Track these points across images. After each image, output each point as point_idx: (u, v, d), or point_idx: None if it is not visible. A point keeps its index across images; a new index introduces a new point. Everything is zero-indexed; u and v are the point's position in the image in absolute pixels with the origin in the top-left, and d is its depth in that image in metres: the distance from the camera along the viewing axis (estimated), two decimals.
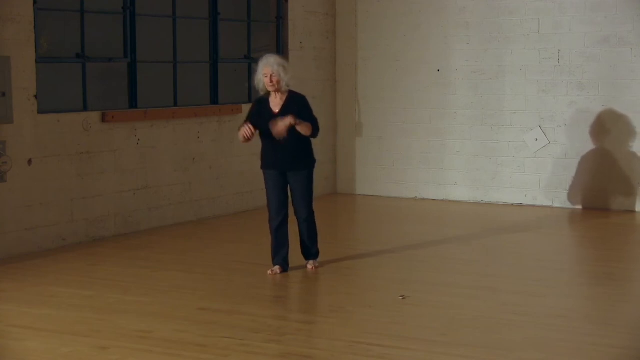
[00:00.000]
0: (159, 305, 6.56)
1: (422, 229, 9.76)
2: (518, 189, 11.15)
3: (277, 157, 7.42)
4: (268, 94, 7.44)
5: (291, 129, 7.28)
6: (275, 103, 7.39)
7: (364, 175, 12.05)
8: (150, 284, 7.20)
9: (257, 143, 7.66)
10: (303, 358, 5.43)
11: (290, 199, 7.59)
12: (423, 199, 11.66)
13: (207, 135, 10.17)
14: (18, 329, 6.00)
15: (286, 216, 7.56)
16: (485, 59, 11.20)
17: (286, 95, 7.39)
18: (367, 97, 11.96)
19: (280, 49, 11.26)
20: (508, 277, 7.58)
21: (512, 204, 11.16)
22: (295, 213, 7.58)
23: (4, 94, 8.00)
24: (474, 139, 11.34)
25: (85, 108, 8.90)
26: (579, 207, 10.81)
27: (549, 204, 10.99)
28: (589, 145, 10.72)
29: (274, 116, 7.35)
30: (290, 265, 7.65)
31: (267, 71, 7.29)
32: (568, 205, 10.87)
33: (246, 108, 7.65)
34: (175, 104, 9.96)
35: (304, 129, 7.32)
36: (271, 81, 7.29)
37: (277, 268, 7.55)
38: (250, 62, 10.61)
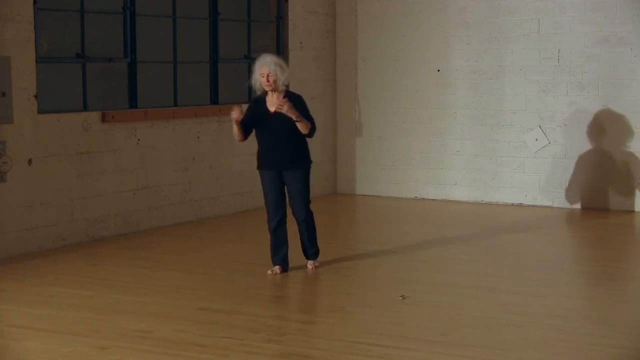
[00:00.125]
0: (159, 305, 6.56)
1: (422, 229, 9.76)
2: (518, 189, 11.15)
3: (272, 157, 7.42)
4: (265, 93, 7.44)
5: (288, 128, 7.28)
6: (272, 102, 7.40)
7: (364, 175, 12.05)
8: (150, 284, 7.20)
9: (256, 143, 7.65)
10: (303, 358, 5.43)
11: (287, 199, 7.59)
12: (423, 199, 11.66)
13: (207, 135, 10.18)
14: (18, 329, 6.00)
15: (284, 216, 7.55)
16: (485, 59, 11.20)
17: (283, 94, 7.40)
18: (367, 97, 11.96)
19: (280, 49, 11.27)
20: (508, 277, 7.58)
21: (512, 204, 11.16)
22: (293, 213, 7.58)
23: (4, 94, 8.00)
24: (474, 139, 11.34)
25: (85, 108, 8.90)
26: (578, 207, 10.81)
27: (549, 204, 10.99)
28: (588, 145, 10.72)
29: (270, 116, 7.35)
30: (290, 265, 7.65)
31: (264, 71, 7.30)
32: (568, 205, 10.87)
33: (246, 108, 7.67)
34: (175, 104, 9.96)
35: (302, 126, 7.32)
36: (268, 81, 7.29)
37: (277, 268, 7.55)
38: (250, 62, 10.58)
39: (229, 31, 10.67)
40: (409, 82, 11.66)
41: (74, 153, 8.69)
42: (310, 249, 7.70)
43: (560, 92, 10.83)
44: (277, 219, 7.52)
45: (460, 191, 11.47)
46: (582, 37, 10.66)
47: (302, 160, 7.49)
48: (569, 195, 10.87)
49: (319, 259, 7.77)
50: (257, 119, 7.43)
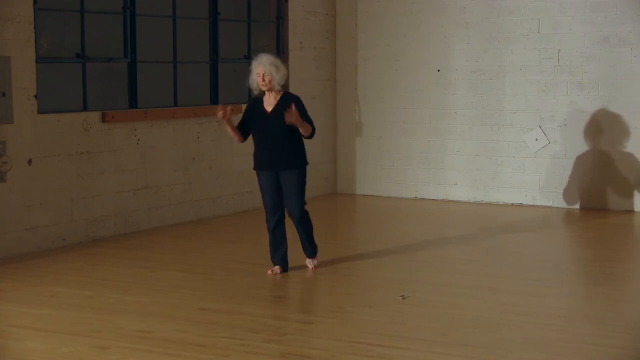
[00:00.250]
0: (159, 305, 6.56)
1: (422, 229, 9.75)
2: (518, 189, 11.15)
3: (269, 157, 7.41)
4: (262, 93, 7.44)
5: (285, 128, 7.28)
6: (269, 102, 7.40)
7: (364, 175, 12.05)
8: (150, 284, 7.20)
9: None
10: (303, 358, 5.43)
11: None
12: (423, 199, 11.66)
13: (207, 135, 10.18)
14: (18, 329, 6.00)
15: (282, 216, 7.55)
16: (485, 59, 11.20)
17: (280, 94, 7.40)
18: (367, 97, 11.96)
19: (280, 49, 11.27)
20: (508, 277, 7.58)
21: (512, 204, 11.16)
22: (289, 214, 7.54)
23: (4, 94, 8.00)
24: (474, 139, 11.34)
25: (85, 108, 8.90)
26: (578, 207, 10.81)
27: (549, 204, 10.99)
28: (588, 145, 10.72)
29: (266, 115, 7.36)
30: (290, 265, 7.65)
31: (260, 70, 7.31)
32: (568, 205, 10.87)
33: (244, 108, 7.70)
34: (175, 104, 9.96)
35: (304, 130, 7.32)
36: (263, 80, 7.30)
37: (277, 268, 7.55)
38: (250, 62, 10.59)
39: (229, 31, 10.67)
40: (409, 82, 11.66)
41: (74, 153, 8.69)
42: (309, 248, 7.70)
43: (560, 92, 10.83)
44: (275, 219, 7.52)
45: (460, 191, 11.47)
46: (582, 37, 10.66)
47: (298, 160, 7.48)
48: (569, 195, 10.87)
49: (317, 256, 7.75)
50: (254, 119, 7.44)
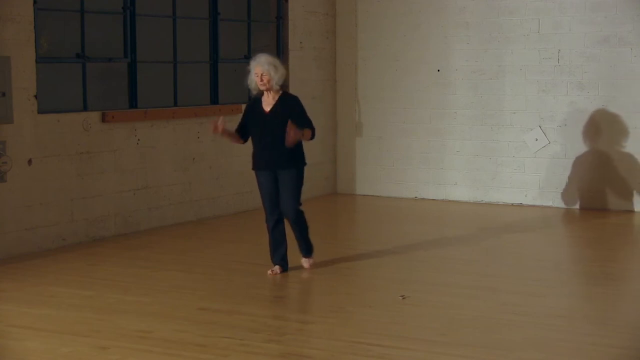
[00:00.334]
0: (159, 305, 6.56)
1: (422, 229, 9.76)
2: (518, 189, 11.15)
3: (268, 157, 7.41)
4: (261, 93, 7.45)
5: (283, 128, 7.28)
6: (267, 102, 7.41)
7: (364, 175, 12.05)
8: (150, 284, 7.20)
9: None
10: (303, 358, 5.43)
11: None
12: (423, 199, 11.66)
13: (207, 135, 10.17)
14: (18, 329, 6.00)
15: (281, 215, 7.55)
16: (485, 59, 11.20)
17: (279, 94, 7.40)
18: (367, 97, 11.96)
19: (280, 49, 11.27)
20: (508, 277, 7.58)
21: (512, 204, 11.16)
22: (283, 213, 7.50)
23: (4, 94, 8.00)
24: (474, 139, 11.34)
25: (85, 108, 8.90)
26: (578, 207, 10.81)
27: (549, 204, 10.99)
28: (588, 145, 10.72)
29: (264, 115, 7.37)
30: (290, 265, 7.65)
31: (258, 70, 7.32)
32: (567, 205, 10.86)
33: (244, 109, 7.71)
34: (175, 104, 9.96)
35: (305, 138, 7.33)
36: (262, 80, 7.30)
37: (277, 268, 7.55)
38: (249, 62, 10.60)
39: (229, 31, 10.67)
40: (409, 82, 11.66)
41: (74, 153, 8.69)
42: (304, 247, 7.67)
43: (560, 92, 10.83)
44: (275, 219, 7.52)
45: (460, 191, 11.47)
46: (582, 37, 10.66)
47: (296, 160, 7.47)
48: (569, 195, 10.87)
49: (313, 256, 7.73)
50: (253, 119, 7.45)
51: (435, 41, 11.47)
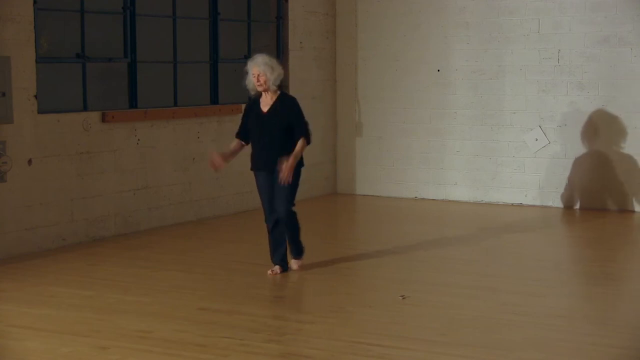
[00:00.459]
0: (159, 305, 6.56)
1: (422, 229, 9.75)
2: (518, 189, 11.15)
3: (266, 157, 7.41)
4: (259, 94, 7.47)
5: (282, 129, 7.29)
6: (265, 103, 7.43)
7: (364, 175, 12.05)
8: (150, 284, 7.20)
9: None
10: (303, 358, 5.43)
11: None
12: (423, 199, 11.66)
13: (207, 135, 10.18)
14: (18, 329, 6.00)
15: None
16: (485, 59, 11.20)
17: (277, 95, 7.42)
18: (367, 97, 11.96)
19: (280, 49, 11.27)
20: (508, 277, 7.58)
21: (512, 204, 11.16)
22: (276, 213, 7.50)
23: (4, 94, 8.00)
24: (474, 139, 11.34)
25: (85, 108, 8.90)
26: (577, 207, 10.81)
27: (549, 204, 10.98)
28: (588, 145, 10.72)
29: (262, 116, 7.38)
30: (289, 265, 7.65)
31: (255, 71, 7.34)
32: (567, 205, 10.86)
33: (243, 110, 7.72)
34: (175, 104, 9.96)
35: (299, 153, 7.32)
36: (258, 81, 7.32)
37: (277, 268, 7.55)
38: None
39: (229, 31, 10.67)
40: (409, 82, 11.66)
41: (74, 153, 8.69)
42: (294, 248, 7.63)
43: (560, 92, 10.83)
44: (274, 219, 7.51)
45: (460, 191, 11.47)
46: (582, 37, 10.66)
47: None
48: (569, 195, 10.87)
49: (303, 257, 7.69)
50: (251, 119, 7.47)
51: (435, 41, 11.47)
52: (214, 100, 10.45)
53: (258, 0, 11.11)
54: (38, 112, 8.34)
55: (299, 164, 7.46)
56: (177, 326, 6.02)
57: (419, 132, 11.65)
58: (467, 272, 7.68)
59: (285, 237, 7.56)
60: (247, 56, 10.69)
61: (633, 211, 10.52)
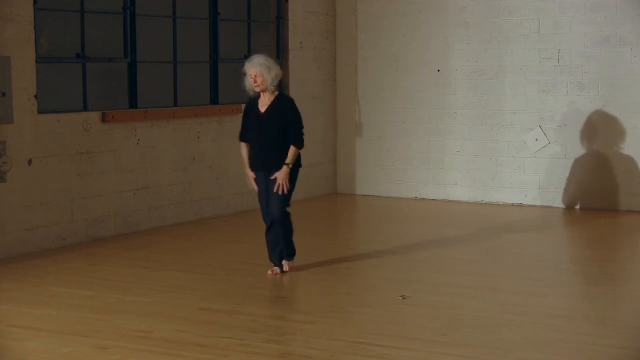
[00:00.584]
0: (159, 305, 6.56)
1: (422, 229, 9.75)
2: (518, 189, 11.15)
3: (264, 157, 7.42)
4: (258, 94, 7.48)
5: (279, 129, 7.30)
6: (263, 103, 7.45)
7: (364, 175, 12.05)
8: (150, 284, 7.20)
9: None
10: (303, 358, 5.43)
11: None
12: (423, 199, 11.66)
13: (207, 135, 10.18)
14: (18, 329, 6.00)
15: None
16: (485, 59, 11.20)
17: (274, 95, 7.43)
18: (367, 97, 11.96)
19: (280, 49, 11.27)
20: (508, 277, 7.58)
21: (512, 204, 11.16)
22: (270, 212, 7.50)
23: (4, 94, 8.00)
24: (474, 139, 11.34)
25: (85, 108, 8.90)
26: (577, 207, 10.81)
27: (549, 204, 10.98)
28: (588, 145, 10.72)
29: (260, 116, 7.39)
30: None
31: (252, 72, 7.36)
32: (568, 205, 10.86)
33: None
34: (175, 104, 9.96)
35: (292, 160, 7.35)
36: (255, 81, 7.33)
37: (277, 268, 7.55)
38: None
39: (229, 31, 10.67)
40: (409, 82, 11.66)
41: (74, 153, 8.69)
42: (286, 248, 7.61)
43: (560, 92, 10.83)
44: (270, 219, 7.52)
45: (460, 191, 11.47)
46: (582, 37, 10.66)
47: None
48: (569, 195, 10.87)
49: (294, 259, 7.67)
50: (250, 119, 7.48)
51: (435, 41, 11.47)
52: (214, 100, 10.45)
53: (258, 0, 11.11)
54: (38, 112, 8.34)
55: (296, 164, 7.48)
56: (177, 326, 6.02)
57: (419, 132, 11.65)
58: (467, 272, 7.68)
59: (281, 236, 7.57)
60: (247, 56, 10.62)
61: (633, 211, 10.52)
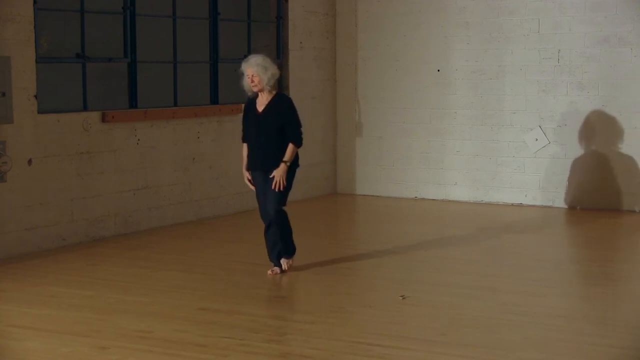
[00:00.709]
0: (159, 305, 6.56)
1: (422, 229, 9.75)
2: (518, 189, 11.15)
3: (261, 157, 7.43)
4: (257, 94, 7.49)
5: (277, 129, 7.32)
6: (261, 102, 7.47)
7: (364, 175, 12.05)
8: (150, 284, 7.20)
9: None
10: (303, 358, 5.43)
11: None
12: (423, 199, 11.66)
13: (207, 135, 10.18)
14: (18, 329, 6.00)
15: None
16: (485, 59, 11.20)
17: (272, 95, 7.44)
18: (367, 97, 11.96)
19: (280, 49, 11.27)
20: (508, 277, 7.58)
21: (512, 204, 11.16)
22: (267, 211, 7.52)
23: (4, 94, 8.00)
24: (474, 139, 11.34)
25: (85, 108, 8.90)
26: (577, 207, 10.81)
27: (549, 204, 10.98)
28: (588, 145, 10.72)
29: (258, 116, 7.41)
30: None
31: (249, 72, 7.39)
32: (568, 205, 10.86)
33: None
34: (175, 104, 9.96)
35: (290, 158, 7.35)
36: (252, 81, 7.35)
37: (277, 268, 7.55)
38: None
39: (229, 31, 10.67)
40: (409, 82, 11.66)
41: (74, 153, 8.69)
42: (284, 247, 7.61)
43: (560, 92, 10.83)
44: (268, 219, 7.52)
45: (460, 191, 11.47)
46: (582, 37, 10.66)
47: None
48: (569, 195, 10.87)
49: (293, 257, 7.66)
50: (249, 119, 7.50)
51: (435, 41, 11.47)
52: (214, 100, 10.45)
53: (258, 0, 11.11)
54: (38, 112, 8.34)
55: (294, 164, 7.48)
56: (177, 326, 6.02)
57: (419, 132, 11.65)
58: (467, 272, 7.68)
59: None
60: (247, 56, 10.71)
61: (633, 211, 10.52)
